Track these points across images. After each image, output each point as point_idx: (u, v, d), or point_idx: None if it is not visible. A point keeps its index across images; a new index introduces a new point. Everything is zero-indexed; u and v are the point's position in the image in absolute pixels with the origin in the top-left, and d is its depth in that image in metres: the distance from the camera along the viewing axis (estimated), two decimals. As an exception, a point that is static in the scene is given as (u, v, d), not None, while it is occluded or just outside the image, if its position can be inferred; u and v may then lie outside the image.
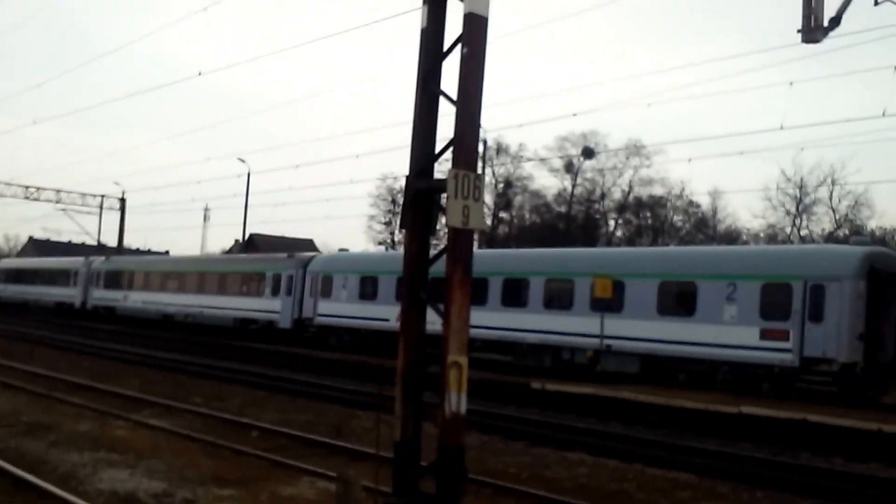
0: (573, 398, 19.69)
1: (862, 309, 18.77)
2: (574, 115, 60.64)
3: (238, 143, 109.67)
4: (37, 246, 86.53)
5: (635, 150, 52.04)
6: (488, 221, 54.37)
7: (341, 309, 31.17)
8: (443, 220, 7.16)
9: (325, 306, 31.88)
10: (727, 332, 20.21)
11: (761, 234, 46.54)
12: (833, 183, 44.23)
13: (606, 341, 22.42)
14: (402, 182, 7.70)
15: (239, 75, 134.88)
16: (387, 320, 28.24)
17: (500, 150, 55.39)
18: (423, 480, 7.25)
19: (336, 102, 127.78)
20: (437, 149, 7.45)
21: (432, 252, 7.53)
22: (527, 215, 59.48)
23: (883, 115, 20.68)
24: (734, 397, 18.51)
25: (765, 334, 19.63)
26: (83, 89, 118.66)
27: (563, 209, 56.53)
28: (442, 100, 7.34)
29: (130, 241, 76.25)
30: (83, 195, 58.49)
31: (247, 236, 59.02)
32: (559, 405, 19.45)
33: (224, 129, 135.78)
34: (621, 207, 55.16)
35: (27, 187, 55.07)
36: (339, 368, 25.56)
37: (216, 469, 10.92)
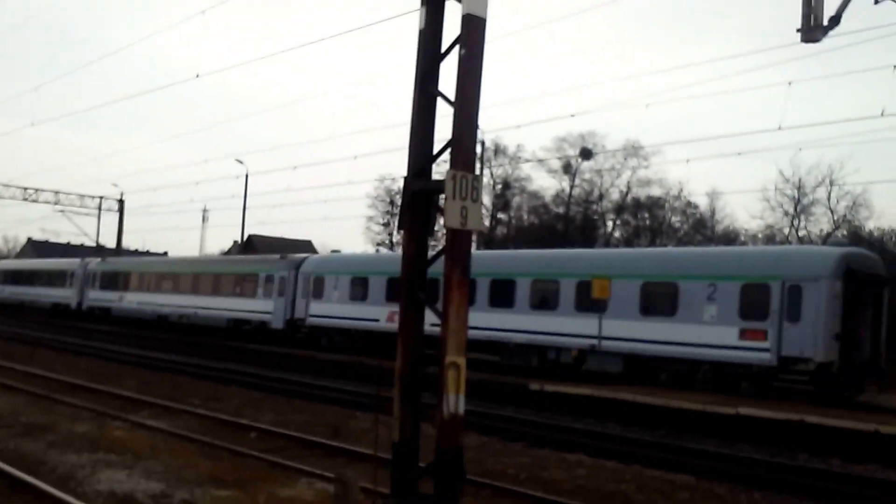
0: (571, 399, 19.71)
1: (838, 309, 19.08)
2: (572, 115, 60.71)
3: (236, 144, 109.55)
4: (36, 247, 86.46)
5: (633, 150, 52.08)
6: (486, 222, 54.38)
7: (332, 310, 31.52)
8: (441, 221, 7.17)
9: (316, 307, 32.24)
10: (707, 332, 20.57)
11: (759, 235, 46.58)
12: (831, 183, 44.26)
13: (591, 341, 22.75)
14: (401, 183, 7.72)
15: (237, 77, 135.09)
16: (377, 321, 28.84)
17: (498, 151, 55.42)
18: (422, 481, 7.25)
19: (334, 104, 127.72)
20: (435, 150, 7.47)
21: (430, 253, 7.54)
22: (525, 216, 59.50)
23: (882, 114, 20.70)
24: (733, 398, 18.56)
25: (744, 334, 19.97)
26: (82, 91, 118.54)
27: (561, 210, 56.52)
28: (440, 101, 7.35)
29: (129, 243, 76.29)
30: (81, 196, 58.50)
31: (245, 237, 58.99)
32: (557, 406, 19.46)
33: (222, 131, 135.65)
34: (619, 208, 55.14)
35: (26, 189, 55.05)
36: (337, 369, 25.58)
37: (214, 470, 10.91)
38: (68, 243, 75.05)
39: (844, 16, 11.88)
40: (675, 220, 54.47)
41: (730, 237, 47.89)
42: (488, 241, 52.43)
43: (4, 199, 54.33)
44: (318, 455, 12.45)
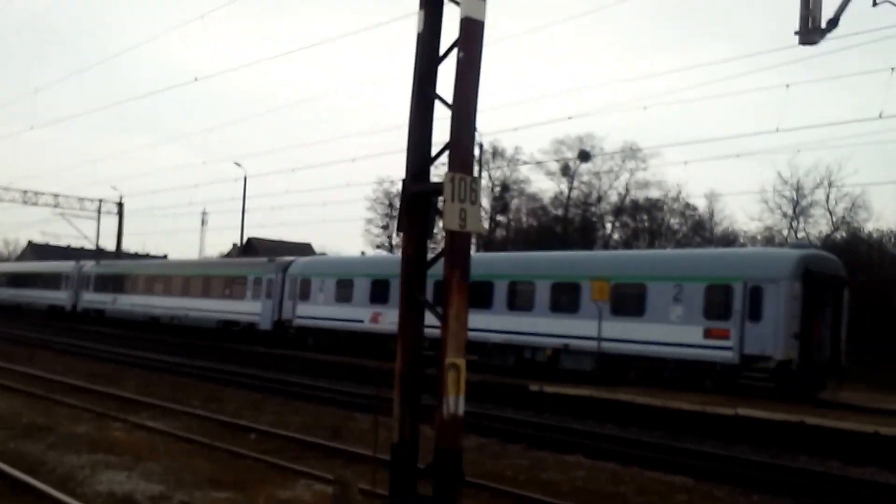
0: (570, 400, 19.74)
1: (797, 309, 19.70)
2: (570, 118, 60.90)
3: (235, 146, 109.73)
4: (36, 250, 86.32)
5: (631, 153, 52.06)
6: (485, 225, 54.39)
7: (318, 311, 32.27)
8: (440, 223, 7.19)
9: (303, 308, 32.98)
10: (674, 332, 21.29)
11: (758, 237, 46.53)
12: (830, 185, 44.17)
13: (564, 341, 23.47)
14: (399, 186, 7.75)
15: (236, 79, 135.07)
16: (361, 321, 29.87)
17: (497, 153, 55.44)
18: (421, 483, 7.27)
19: (332, 106, 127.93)
20: (434, 152, 7.49)
21: (430, 255, 7.57)
22: (524, 219, 59.48)
23: (880, 116, 20.80)
24: (731, 398, 18.61)
25: (708, 333, 20.71)
26: (81, 94, 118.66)
27: (559, 212, 56.50)
28: (438, 103, 7.38)
29: (129, 245, 76.29)
30: (81, 199, 58.50)
31: (245, 240, 58.95)
32: (556, 407, 19.50)
33: (221, 133, 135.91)
34: (618, 210, 55.13)
35: (25, 192, 55.01)
36: (337, 370, 25.64)
37: (213, 471, 10.92)
38: (68, 246, 75.04)
39: (842, 18, 11.91)
40: (674, 221, 54.47)
41: (729, 239, 47.86)
42: (487, 243, 52.43)
43: (4, 202, 54.37)
44: (317, 456, 12.45)
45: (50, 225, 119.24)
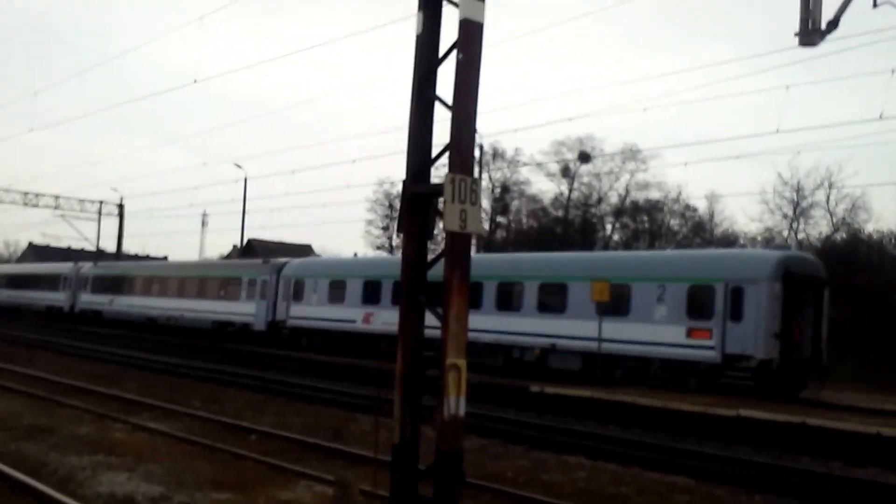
0: (571, 401, 19.76)
1: (777, 309, 20.03)
2: (570, 119, 60.98)
3: (235, 148, 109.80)
4: (36, 252, 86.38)
5: (631, 154, 52.05)
6: (486, 226, 54.38)
7: (312, 311, 32.67)
8: (440, 224, 7.19)
9: (296, 309, 33.38)
10: (658, 331, 21.65)
11: (759, 238, 46.50)
12: (830, 186, 44.18)
13: (551, 340, 23.80)
14: (400, 187, 7.75)
15: (236, 81, 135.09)
16: (354, 322, 30.33)
17: (497, 154, 55.45)
18: (422, 484, 7.27)
19: (332, 108, 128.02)
20: (434, 153, 7.49)
21: (430, 256, 7.57)
22: (524, 220, 59.48)
23: (880, 117, 20.94)
24: (732, 399, 18.63)
25: (691, 333, 21.11)
26: (81, 96, 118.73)
27: (560, 213, 56.51)
28: (438, 104, 7.39)
29: (130, 247, 76.36)
30: (81, 201, 58.57)
31: (245, 242, 58.95)
32: (558, 408, 19.51)
33: (221, 135, 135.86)
34: (618, 211, 55.13)
35: (26, 193, 55.09)
36: (337, 371, 25.67)
37: (214, 472, 10.92)
38: (69, 248, 75.17)
39: (842, 20, 11.89)
40: (674, 223, 54.46)
41: (729, 240, 47.84)
42: (488, 244, 52.44)
43: (5, 203, 54.47)
44: (318, 457, 12.46)
45: (51, 226, 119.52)
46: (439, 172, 7.55)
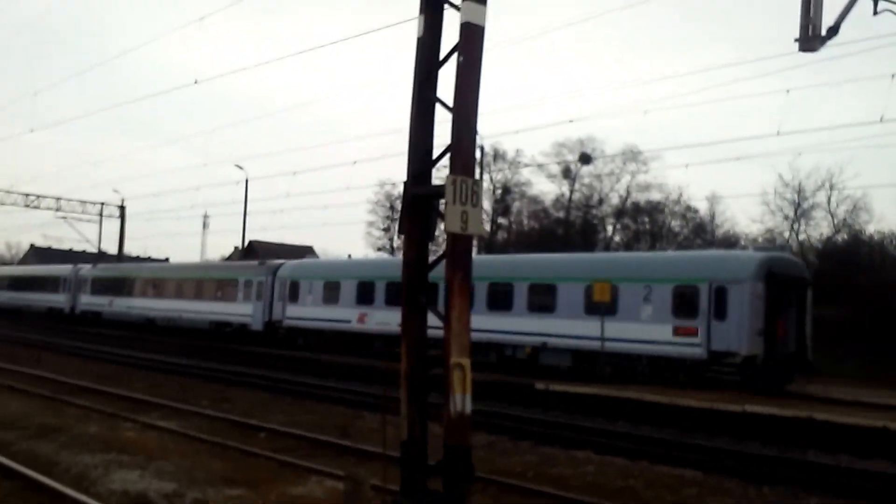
0: (576, 398, 19.87)
1: (761, 308, 20.64)
2: (571, 121, 61.05)
3: (236, 149, 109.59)
4: (38, 254, 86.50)
5: (632, 155, 52.05)
6: (487, 227, 54.46)
7: (307, 312, 33.18)
8: (441, 225, 7.29)
9: (292, 310, 33.88)
10: (644, 330, 22.26)
11: (759, 239, 46.54)
12: (831, 188, 44.24)
13: (542, 339, 24.31)
14: (401, 188, 7.85)
15: (236, 82, 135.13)
16: (349, 322, 30.88)
17: (498, 156, 55.53)
18: (431, 479, 7.38)
19: (333, 109, 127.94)
20: (435, 155, 7.55)
21: (431, 258, 7.64)
22: (525, 221, 59.52)
23: (881, 120, 21.23)
24: (739, 395, 18.80)
25: (677, 331, 21.71)
26: (81, 97, 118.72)
27: (561, 215, 56.54)
28: (439, 106, 7.44)
29: (131, 249, 76.46)
30: (83, 203, 58.65)
31: (246, 243, 59.07)
32: (565, 406, 19.64)
33: (221, 136, 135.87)
34: (619, 213, 55.16)
35: (27, 195, 55.18)
36: (343, 371, 25.84)
37: (225, 470, 11.04)
38: (70, 249, 75.25)
39: (843, 26, 12.00)
40: (675, 224, 54.52)
41: (730, 241, 47.89)
42: (489, 245, 52.53)
43: (6, 205, 54.57)
44: (327, 454, 12.57)
45: (52, 228, 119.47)
46: (440, 174, 7.62)
